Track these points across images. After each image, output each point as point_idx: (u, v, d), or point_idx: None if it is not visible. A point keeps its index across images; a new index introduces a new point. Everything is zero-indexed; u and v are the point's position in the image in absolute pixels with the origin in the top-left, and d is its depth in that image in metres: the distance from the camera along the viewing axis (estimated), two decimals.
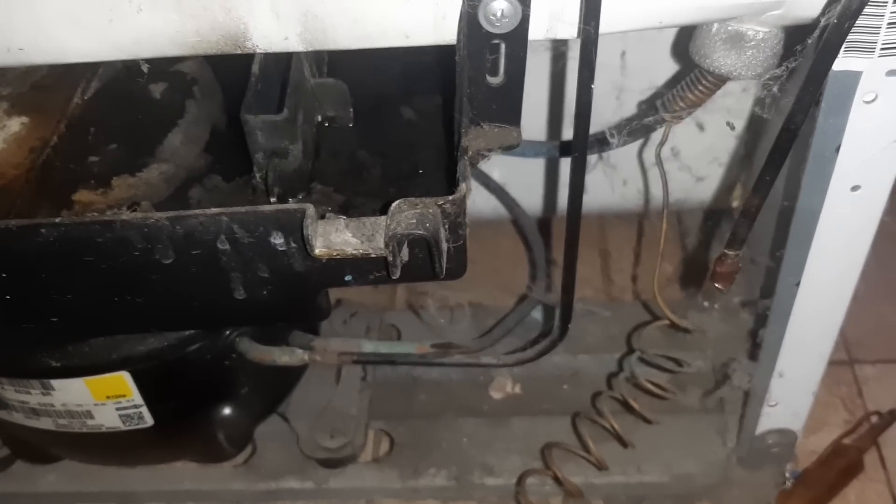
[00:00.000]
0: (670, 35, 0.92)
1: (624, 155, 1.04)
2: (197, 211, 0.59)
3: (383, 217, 0.59)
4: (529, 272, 1.14)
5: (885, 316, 1.21)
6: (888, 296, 1.23)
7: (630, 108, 0.99)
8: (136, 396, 0.84)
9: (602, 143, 0.75)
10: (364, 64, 0.78)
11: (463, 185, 0.60)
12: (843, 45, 0.57)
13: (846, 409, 1.13)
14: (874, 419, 1.10)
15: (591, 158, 1.04)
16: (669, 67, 0.92)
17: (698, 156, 1.05)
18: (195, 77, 0.80)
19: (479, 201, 1.05)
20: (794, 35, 0.62)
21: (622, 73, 0.97)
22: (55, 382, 0.82)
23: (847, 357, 1.18)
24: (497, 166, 0.94)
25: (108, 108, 0.78)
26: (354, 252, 0.59)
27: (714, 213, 1.11)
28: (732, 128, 0.97)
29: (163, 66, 0.81)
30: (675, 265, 1.14)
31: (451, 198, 0.59)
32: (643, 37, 0.93)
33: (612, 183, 1.07)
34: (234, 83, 0.69)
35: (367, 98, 0.77)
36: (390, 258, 0.59)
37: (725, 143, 1.03)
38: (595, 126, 0.81)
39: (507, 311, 1.05)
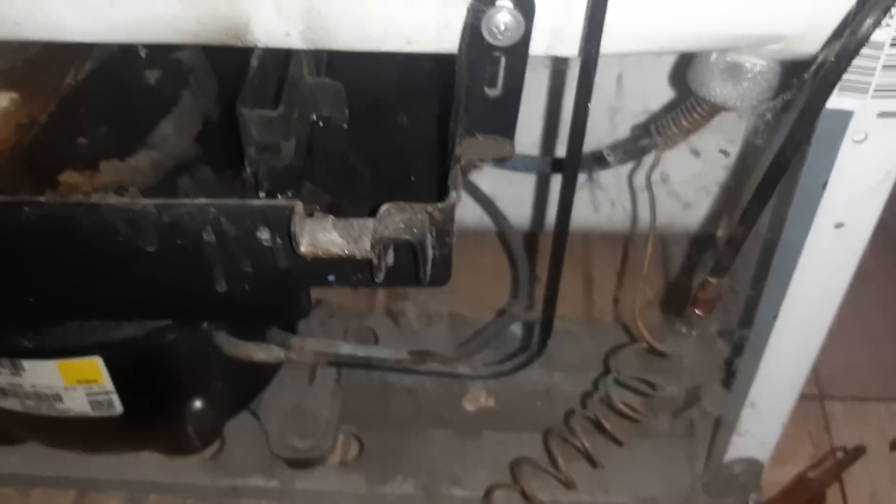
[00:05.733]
0: (667, 62, 0.93)
1: (612, 176, 1.04)
2: (185, 200, 0.59)
3: (371, 219, 0.59)
4: (511, 287, 1.15)
5: (856, 355, 1.22)
6: (860, 335, 1.24)
7: (623, 130, 0.99)
8: (107, 383, 0.83)
9: (599, 160, 0.76)
10: (362, 67, 0.78)
11: (453, 194, 0.60)
12: (837, 85, 0.58)
13: (813, 443, 1.13)
14: (839, 455, 1.11)
15: (581, 178, 1.04)
16: (664, 93, 0.93)
17: (687, 182, 1.05)
18: (192, 66, 0.80)
19: (465, 212, 1.06)
20: (791, 69, 0.63)
21: (617, 96, 0.98)
22: (26, 363, 0.81)
23: (817, 392, 1.19)
24: (487, 178, 0.94)
25: (101, 91, 0.77)
26: (340, 252, 0.59)
27: (698, 242, 1.12)
28: (727, 154, 0.97)
29: (159, 54, 0.80)
30: (656, 290, 1.15)
31: (440, 205, 0.59)
32: (640, 62, 0.94)
33: (599, 203, 1.07)
34: (231, 76, 0.69)
35: (363, 101, 0.77)
36: (375, 261, 0.59)
37: (715, 173, 1.04)
38: (587, 146, 0.82)
39: (485, 324, 1.05)
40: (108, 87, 0.78)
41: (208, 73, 0.80)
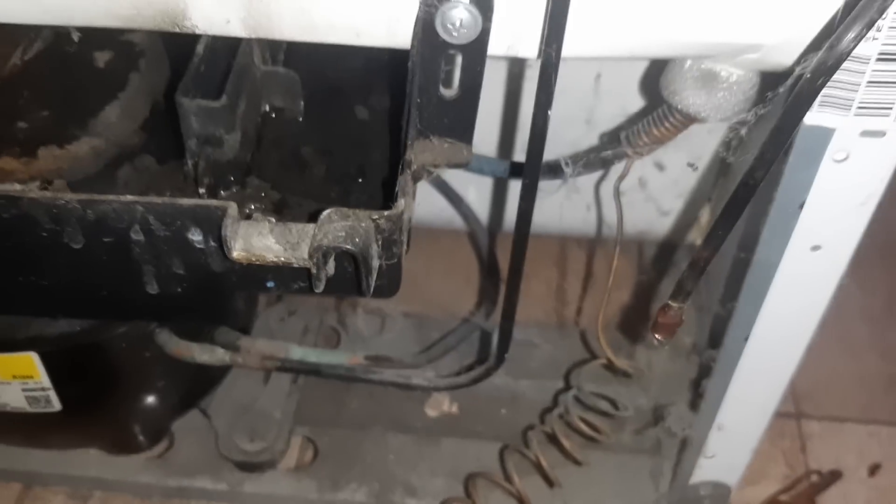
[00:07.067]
0: (642, 63, 0.88)
1: (590, 180, 1.00)
2: (111, 197, 0.55)
3: (311, 225, 0.55)
4: (479, 290, 1.11)
5: (838, 371, 1.18)
6: (842, 350, 1.20)
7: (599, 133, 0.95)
8: (43, 379, 0.79)
9: (555, 170, 0.72)
10: (323, 55, 0.74)
11: (402, 202, 0.56)
12: (818, 100, 0.54)
13: (787, 463, 1.10)
14: (814, 478, 1.08)
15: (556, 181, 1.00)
16: (646, 95, 0.89)
17: (665, 189, 1.01)
18: (143, 49, 0.75)
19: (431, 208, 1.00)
20: (771, 81, 0.59)
21: (595, 97, 0.93)
22: None
23: (794, 410, 1.15)
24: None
25: (47, 73, 0.72)
26: (275, 259, 0.55)
27: (674, 248, 1.08)
28: (695, 168, 0.94)
29: (111, 35, 0.76)
30: (631, 297, 1.11)
31: (386, 213, 0.55)
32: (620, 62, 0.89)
33: (575, 207, 1.03)
34: (186, 60, 0.65)
35: (321, 91, 0.73)
36: (314, 270, 0.55)
37: (692, 179, 1.00)
38: (561, 147, 0.77)
39: (451, 325, 1.01)
40: (55, 69, 0.73)
41: (161, 58, 0.76)
